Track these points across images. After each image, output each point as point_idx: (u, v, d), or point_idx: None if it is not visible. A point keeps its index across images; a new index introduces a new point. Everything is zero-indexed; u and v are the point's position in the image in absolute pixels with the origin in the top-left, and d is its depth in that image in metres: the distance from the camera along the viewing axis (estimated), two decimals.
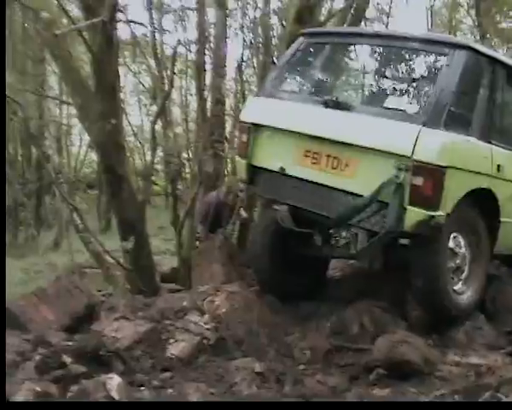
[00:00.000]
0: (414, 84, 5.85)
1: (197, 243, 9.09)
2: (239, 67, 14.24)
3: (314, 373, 4.70)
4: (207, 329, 5.02)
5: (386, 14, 23.61)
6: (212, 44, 13.55)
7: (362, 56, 6.42)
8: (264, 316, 5.54)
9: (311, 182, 5.57)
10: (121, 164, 7.99)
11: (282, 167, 5.73)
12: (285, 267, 6.29)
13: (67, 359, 4.21)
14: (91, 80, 8.10)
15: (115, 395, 3.52)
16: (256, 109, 6.15)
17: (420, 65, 5.85)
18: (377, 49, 6.12)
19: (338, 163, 5.38)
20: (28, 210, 20.85)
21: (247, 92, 20.23)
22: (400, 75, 6.04)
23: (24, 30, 19.82)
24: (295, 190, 5.74)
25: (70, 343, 4.65)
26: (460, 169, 5.06)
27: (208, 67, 13.79)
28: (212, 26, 13.92)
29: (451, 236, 5.35)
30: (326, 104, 5.57)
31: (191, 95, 24.50)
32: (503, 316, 5.61)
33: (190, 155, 19.87)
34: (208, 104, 12.06)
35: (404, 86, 5.91)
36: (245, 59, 17.39)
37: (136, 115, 29.06)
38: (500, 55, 5.90)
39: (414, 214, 4.94)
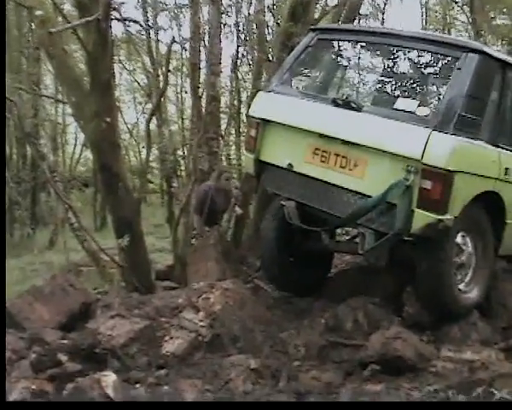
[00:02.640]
0: (424, 86, 5.92)
1: (193, 240, 9.10)
2: (234, 65, 14.22)
3: (309, 369, 4.72)
4: (202, 326, 5.02)
5: (381, 11, 23.64)
6: (206, 42, 13.56)
7: (372, 55, 6.41)
8: (259, 313, 5.56)
9: (319, 180, 5.58)
10: (116, 162, 7.99)
11: (290, 164, 5.75)
12: (292, 261, 6.44)
13: (63, 357, 4.23)
14: (86, 78, 8.11)
15: (111, 393, 3.53)
16: (265, 105, 6.11)
17: (431, 66, 5.87)
18: (389, 49, 6.06)
19: (347, 162, 5.39)
20: (23, 209, 20.82)
21: (242, 89, 20.27)
22: (411, 76, 6.02)
23: (19, 28, 19.81)
24: (303, 187, 5.75)
25: (65, 341, 4.67)
26: (468, 173, 5.08)
27: (203, 64, 13.82)
28: (207, 23, 13.93)
29: (458, 235, 5.37)
30: (336, 103, 5.58)
31: (186, 92, 24.46)
32: (497, 312, 5.65)
33: (185, 153, 19.85)
34: (203, 102, 12.07)
35: (415, 88, 5.92)
36: (240, 56, 17.40)
37: (132, 113, 29.00)
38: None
39: (422, 217, 4.97)
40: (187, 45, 15.80)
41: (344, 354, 5.07)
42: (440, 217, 4.95)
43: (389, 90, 6.15)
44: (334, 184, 5.48)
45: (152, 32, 20.00)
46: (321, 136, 5.54)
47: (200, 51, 13.52)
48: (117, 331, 4.91)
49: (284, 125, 5.86)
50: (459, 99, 5.09)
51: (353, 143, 5.31)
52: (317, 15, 10.93)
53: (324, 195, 5.57)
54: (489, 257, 5.67)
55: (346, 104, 5.51)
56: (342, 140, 5.38)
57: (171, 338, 4.89)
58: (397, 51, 6.00)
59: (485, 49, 5.40)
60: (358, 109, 5.45)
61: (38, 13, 8.05)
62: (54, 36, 7.77)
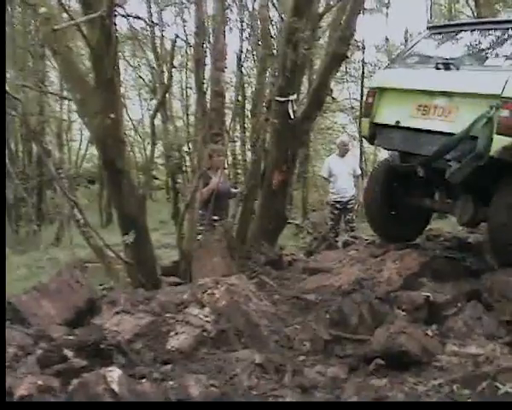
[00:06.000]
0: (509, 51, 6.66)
1: (198, 236, 9.11)
2: (238, 60, 14.22)
3: (314, 364, 4.73)
4: (208, 321, 5.04)
5: (386, 5, 23.61)
6: (211, 37, 13.56)
7: (469, 36, 7.54)
8: (264, 308, 5.57)
9: (419, 130, 6.78)
10: (121, 158, 7.97)
11: (397, 121, 7.04)
12: (393, 214, 7.82)
13: (69, 353, 4.24)
14: (91, 75, 8.10)
15: (116, 388, 3.54)
16: (381, 77, 7.91)
17: None
18: (483, 32, 7.33)
19: (442, 111, 6.58)
20: (29, 206, 20.86)
21: (246, 85, 20.28)
22: (499, 46, 6.94)
23: (24, 26, 19.85)
24: (406, 138, 7.00)
25: (71, 337, 4.68)
26: None
27: (208, 60, 13.82)
28: (211, 19, 13.93)
29: None
30: (438, 67, 6.82)
31: (190, 88, 24.50)
32: (501, 306, 5.64)
33: (190, 149, 19.87)
34: (208, 98, 12.07)
35: (504, 52, 6.74)
36: (244, 52, 17.39)
37: (137, 110, 29.06)
38: None
39: (499, 141, 5.97)
40: (191, 41, 15.83)
41: (349, 348, 5.07)
42: None
43: (482, 56, 7.05)
44: (432, 131, 6.62)
45: (156, 28, 20.06)
46: (425, 92, 6.82)
47: (204, 47, 13.53)
48: (122, 327, 4.95)
49: (395, 89, 7.31)
50: None
51: (448, 94, 6.55)
52: (321, 10, 10.89)
53: (423, 141, 6.73)
54: None
55: (447, 66, 6.74)
56: (441, 92, 6.62)
57: (177, 334, 4.91)
58: (489, 32, 7.24)
59: None
60: (457, 69, 6.67)
61: (42, 10, 8.03)
62: (58, 33, 7.76)
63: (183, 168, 20.23)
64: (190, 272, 7.94)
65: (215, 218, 9.31)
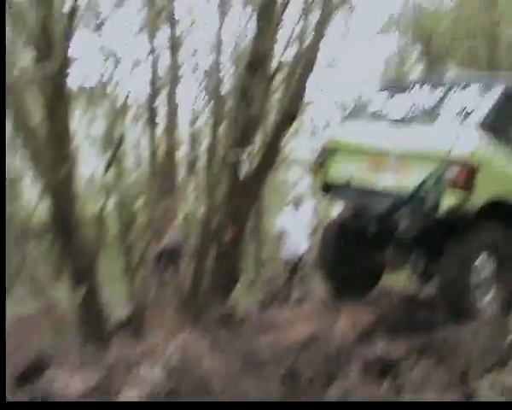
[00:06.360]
0: (460, 109, 6.84)
1: (151, 291, 9.04)
2: (192, 119, 14.36)
3: None
4: (159, 378, 4.97)
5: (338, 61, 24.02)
6: (165, 94, 13.67)
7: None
8: (217, 365, 5.51)
9: (371, 189, 6.98)
10: (73, 212, 7.90)
11: (348, 181, 7.21)
12: (345, 269, 7.81)
13: None
14: (43, 128, 8.03)
15: None
16: (333, 135, 7.93)
17: (467, 96, 6.92)
18: (434, 89, 7.35)
19: (394, 169, 6.73)
20: None
21: (199, 141, 20.33)
22: (450, 105, 6.99)
23: None
24: (358, 195, 7.14)
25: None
26: (488, 170, 6.34)
27: (160, 117, 13.89)
28: (165, 75, 14.06)
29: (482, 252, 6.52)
30: (389, 125, 7.03)
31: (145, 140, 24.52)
32: (452, 358, 5.67)
33: (143, 204, 19.82)
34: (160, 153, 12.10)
35: (453, 110, 6.87)
36: (198, 107, 17.51)
37: (91, 162, 28.86)
38: None
39: (449, 199, 6.20)
40: (145, 96, 15.91)
41: None
42: (464, 200, 6.19)
43: (433, 112, 7.10)
44: (383, 188, 6.83)
45: (111, 83, 20.08)
46: (376, 150, 7.00)
47: (154, 107, 13.64)
48: (73, 384, 4.84)
49: (347, 148, 7.42)
50: (483, 114, 6.48)
51: (401, 152, 6.68)
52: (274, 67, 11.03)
53: (375, 198, 6.89)
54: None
55: (398, 124, 6.94)
56: (392, 150, 6.73)
57: (128, 390, 4.83)
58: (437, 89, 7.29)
59: (508, 85, 6.79)
60: (408, 126, 6.86)
61: None
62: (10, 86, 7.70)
63: (136, 223, 20.07)
64: (143, 326, 7.85)
65: (167, 273, 9.27)
